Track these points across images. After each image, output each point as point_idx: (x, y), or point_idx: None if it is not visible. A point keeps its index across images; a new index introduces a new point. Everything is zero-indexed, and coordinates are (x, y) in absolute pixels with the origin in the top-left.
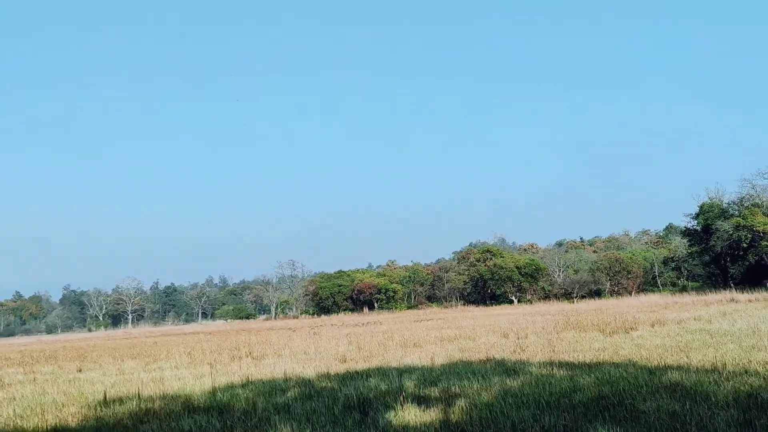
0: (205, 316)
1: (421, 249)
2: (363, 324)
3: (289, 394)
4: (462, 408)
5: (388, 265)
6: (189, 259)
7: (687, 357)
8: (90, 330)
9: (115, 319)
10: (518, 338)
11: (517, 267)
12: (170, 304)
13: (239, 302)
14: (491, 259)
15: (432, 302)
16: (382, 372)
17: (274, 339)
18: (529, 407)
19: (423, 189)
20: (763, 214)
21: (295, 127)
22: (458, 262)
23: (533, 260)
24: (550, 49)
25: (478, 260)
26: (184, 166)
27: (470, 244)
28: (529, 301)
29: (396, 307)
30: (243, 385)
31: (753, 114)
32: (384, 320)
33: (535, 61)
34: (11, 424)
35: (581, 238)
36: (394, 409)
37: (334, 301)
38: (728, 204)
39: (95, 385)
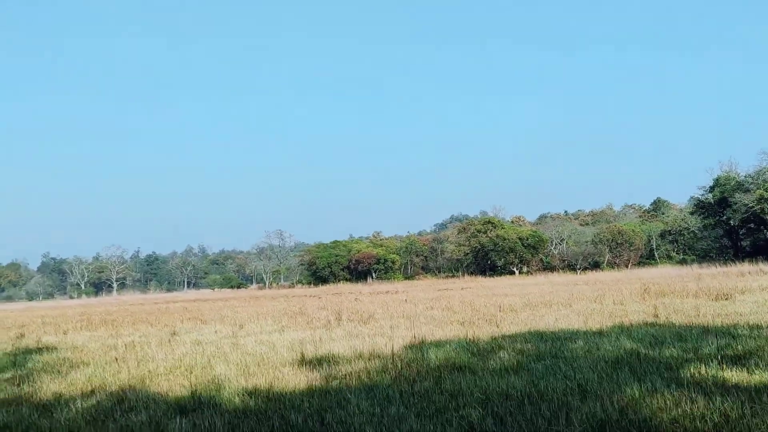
0: (188, 285)
1: (400, 221)
2: (385, 292)
3: (502, 355)
4: None
5: (374, 236)
6: (167, 228)
7: None
8: (72, 297)
9: (97, 287)
10: (614, 303)
11: (519, 238)
12: (152, 273)
13: (222, 271)
14: (492, 230)
15: (426, 273)
16: (558, 336)
17: (325, 304)
18: None
19: (402, 162)
20: None
21: (271, 100)
22: (458, 233)
23: (536, 232)
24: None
25: (480, 231)
26: (159, 135)
27: (451, 217)
28: (528, 272)
29: (394, 278)
30: (435, 345)
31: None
32: (401, 289)
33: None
34: (260, 382)
35: (566, 212)
36: (686, 368)
37: (331, 271)
38: (745, 177)
39: (239, 348)
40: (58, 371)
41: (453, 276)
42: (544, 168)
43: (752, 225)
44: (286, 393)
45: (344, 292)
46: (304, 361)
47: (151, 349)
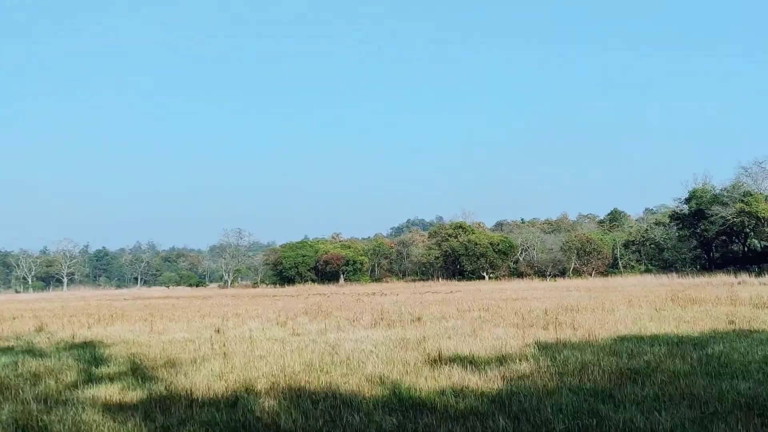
0: (139, 281)
1: (355, 223)
2: (371, 294)
3: (650, 358)
4: None
5: (333, 237)
6: (115, 223)
7: None
8: (17, 291)
9: (45, 282)
10: (656, 310)
11: (490, 244)
12: (101, 269)
13: (174, 269)
14: (463, 235)
15: (392, 275)
16: (675, 340)
17: (341, 304)
18: None
19: (355, 165)
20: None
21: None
22: (429, 237)
23: (506, 238)
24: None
25: (450, 236)
26: (113, 130)
27: (408, 221)
28: (497, 278)
29: (362, 279)
30: (567, 347)
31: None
32: (384, 290)
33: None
34: (446, 383)
35: (522, 219)
36: None
37: (298, 272)
38: (721, 191)
39: (339, 346)
40: (169, 366)
41: (423, 279)
42: (497, 175)
43: (725, 237)
44: (490, 394)
45: (326, 292)
46: (442, 360)
47: (235, 346)
